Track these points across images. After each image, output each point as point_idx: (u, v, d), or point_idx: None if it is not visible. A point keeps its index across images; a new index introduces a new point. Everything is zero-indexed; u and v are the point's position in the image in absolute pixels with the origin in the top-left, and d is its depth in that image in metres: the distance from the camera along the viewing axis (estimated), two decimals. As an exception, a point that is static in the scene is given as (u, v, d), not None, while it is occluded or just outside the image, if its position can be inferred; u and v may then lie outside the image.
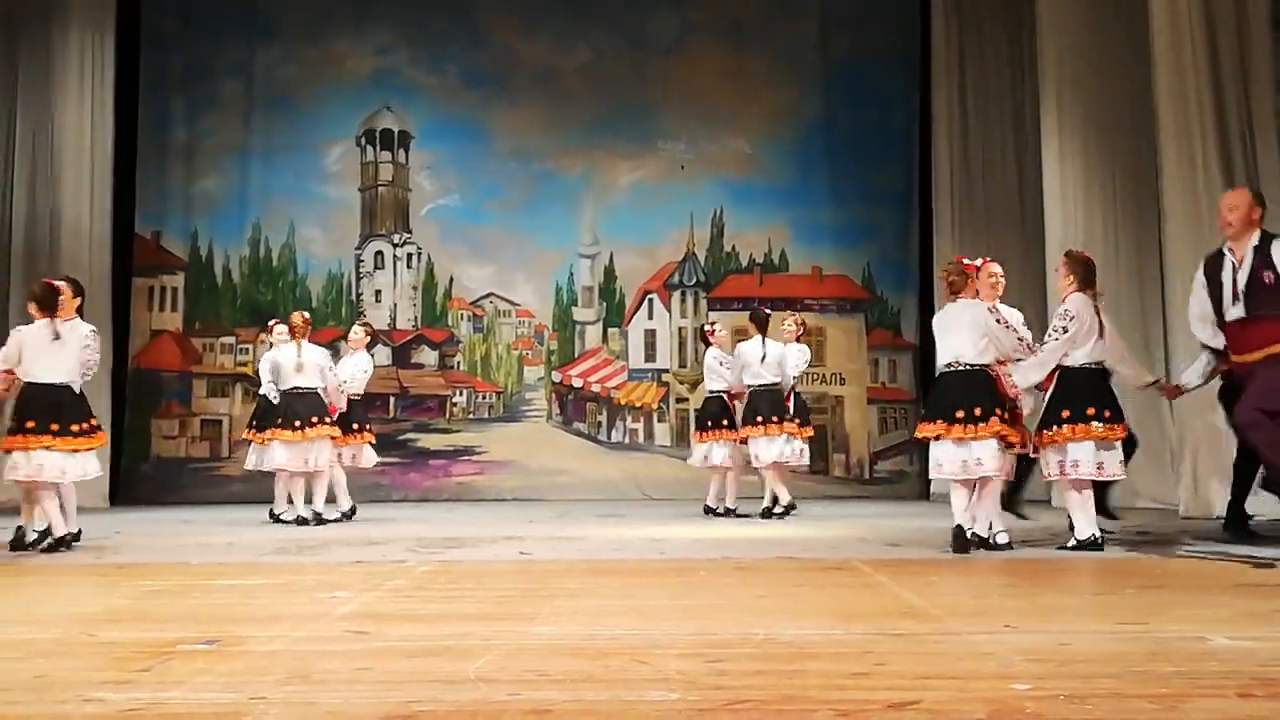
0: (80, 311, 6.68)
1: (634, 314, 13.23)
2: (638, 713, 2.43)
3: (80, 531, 6.63)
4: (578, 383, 13.18)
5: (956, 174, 12.01)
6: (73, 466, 6.37)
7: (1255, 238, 5.51)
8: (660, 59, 13.18)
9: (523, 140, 13.14)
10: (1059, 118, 10.19)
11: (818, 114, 13.19)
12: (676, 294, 13.20)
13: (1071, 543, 5.87)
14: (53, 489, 6.36)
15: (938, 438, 5.89)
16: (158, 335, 12.76)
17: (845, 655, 3.05)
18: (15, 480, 6.40)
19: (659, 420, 13.06)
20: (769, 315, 9.02)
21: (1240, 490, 6.19)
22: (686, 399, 12.75)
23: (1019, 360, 6.00)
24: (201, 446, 12.63)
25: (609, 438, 13.08)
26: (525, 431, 13.05)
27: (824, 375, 12.89)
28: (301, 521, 8.29)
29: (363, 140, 13.24)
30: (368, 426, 9.26)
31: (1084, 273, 5.98)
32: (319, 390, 8.45)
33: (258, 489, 8.83)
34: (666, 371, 13.14)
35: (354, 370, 9.11)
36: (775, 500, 8.76)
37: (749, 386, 8.75)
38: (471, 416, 13.08)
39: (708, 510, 9.09)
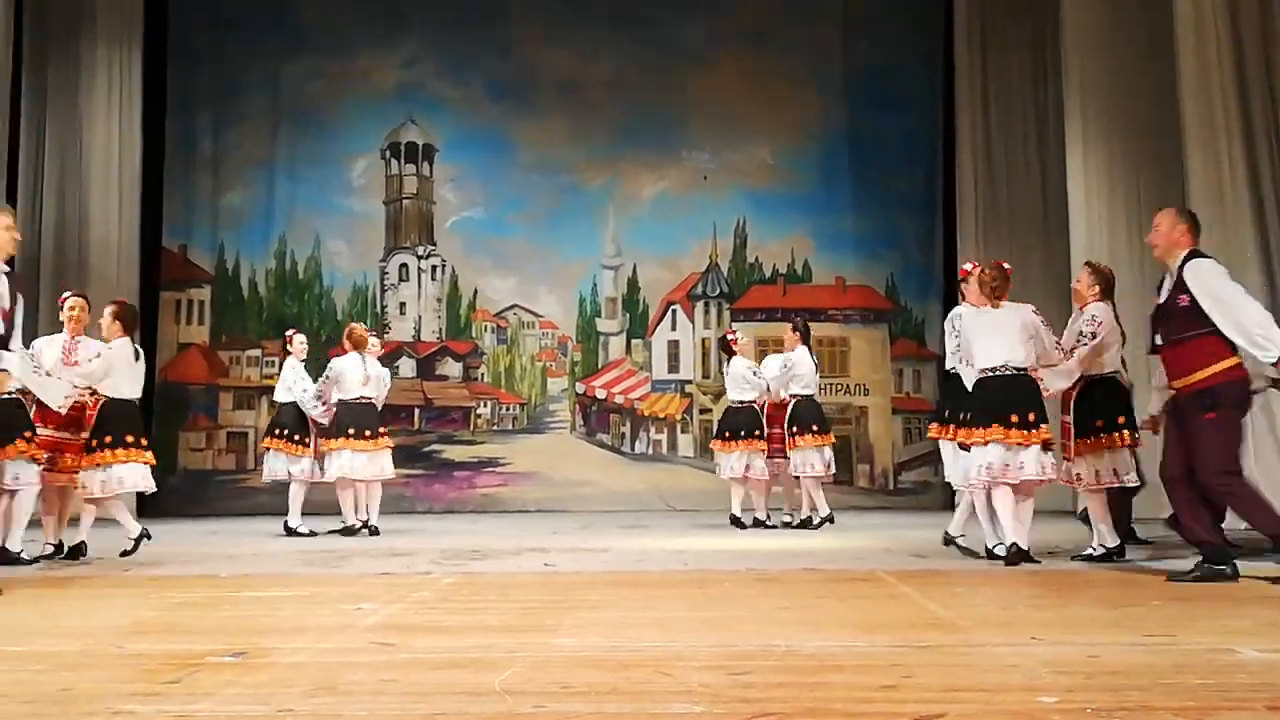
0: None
1: (657, 325, 13.23)
2: (661, 725, 2.43)
3: (84, 544, 6.65)
4: (601, 394, 13.19)
5: (980, 181, 11.92)
6: (134, 477, 6.73)
7: (1180, 258, 5.28)
8: (683, 70, 13.19)
9: (546, 152, 13.19)
10: (1083, 122, 10.12)
11: (840, 123, 13.18)
12: (700, 305, 13.20)
13: (1099, 552, 5.83)
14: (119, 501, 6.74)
15: (987, 442, 5.69)
16: (185, 349, 12.86)
17: (870, 667, 3.03)
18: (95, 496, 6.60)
19: (682, 431, 13.05)
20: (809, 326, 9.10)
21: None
22: (710, 410, 12.71)
23: (1051, 365, 5.95)
24: (228, 459, 12.72)
25: (632, 449, 13.08)
26: (549, 443, 13.07)
27: (848, 386, 12.87)
28: (350, 532, 8.42)
29: (387, 153, 13.32)
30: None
31: (1105, 284, 6.10)
32: (373, 401, 8.59)
33: (284, 501, 8.85)
34: (690, 382, 13.13)
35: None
36: (814, 509, 8.76)
37: (794, 396, 8.73)
38: (496, 428, 13.11)
39: (737, 521, 8.94)
